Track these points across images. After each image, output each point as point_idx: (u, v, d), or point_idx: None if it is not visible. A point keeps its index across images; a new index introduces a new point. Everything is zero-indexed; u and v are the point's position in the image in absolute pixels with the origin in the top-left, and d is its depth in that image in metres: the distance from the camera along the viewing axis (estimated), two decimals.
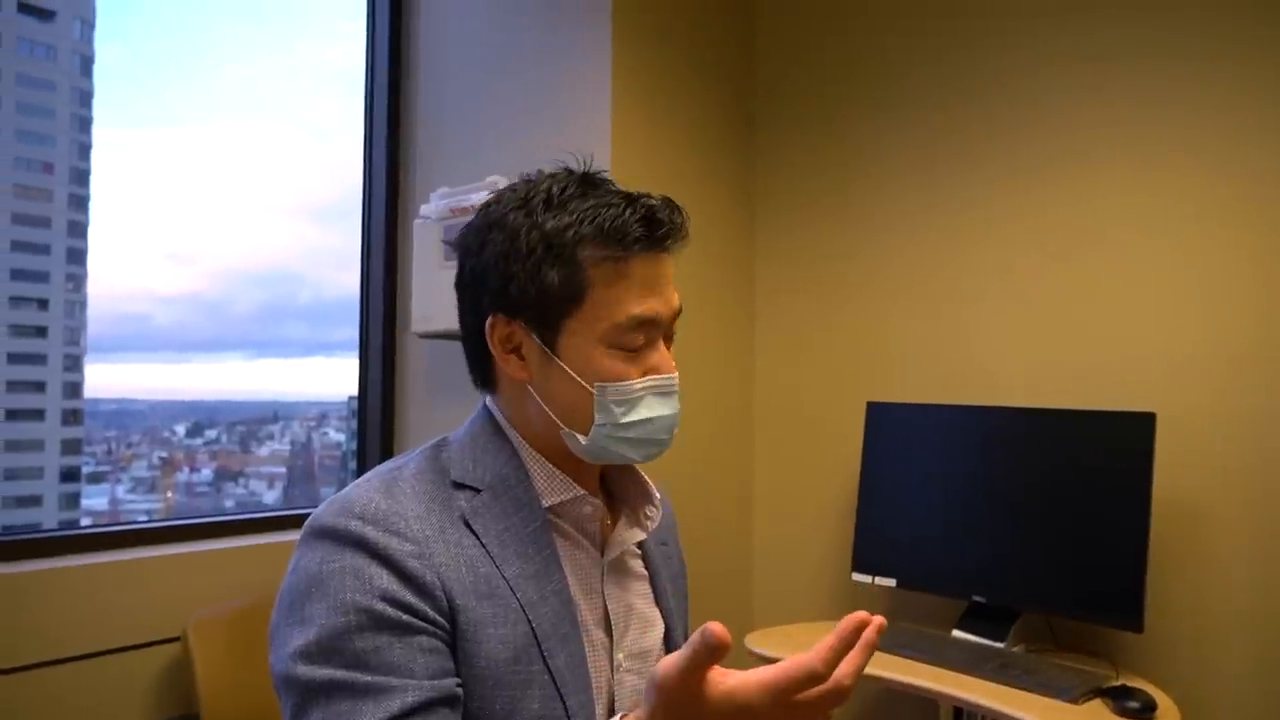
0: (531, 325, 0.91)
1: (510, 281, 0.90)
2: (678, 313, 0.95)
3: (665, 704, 0.67)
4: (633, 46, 2.21)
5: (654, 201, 0.91)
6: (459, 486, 0.92)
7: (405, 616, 0.81)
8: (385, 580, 0.82)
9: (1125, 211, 2.09)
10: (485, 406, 1.00)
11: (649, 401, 0.91)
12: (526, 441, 0.96)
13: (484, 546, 0.88)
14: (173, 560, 1.88)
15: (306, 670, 0.79)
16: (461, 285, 0.97)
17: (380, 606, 0.80)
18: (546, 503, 0.94)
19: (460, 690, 0.83)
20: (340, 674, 0.78)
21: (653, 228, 0.90)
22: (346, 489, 0.89)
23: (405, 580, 0.82)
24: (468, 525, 0.89)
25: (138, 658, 1.78)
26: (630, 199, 0.91)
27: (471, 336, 0.96)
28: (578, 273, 0.89)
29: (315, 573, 0.83)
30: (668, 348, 0.96)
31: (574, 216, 0.89)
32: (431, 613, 0.83)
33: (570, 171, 0.95)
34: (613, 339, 0.90)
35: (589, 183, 0.94)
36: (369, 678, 0.78)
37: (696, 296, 0.99)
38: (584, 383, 0.90)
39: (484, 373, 0.98)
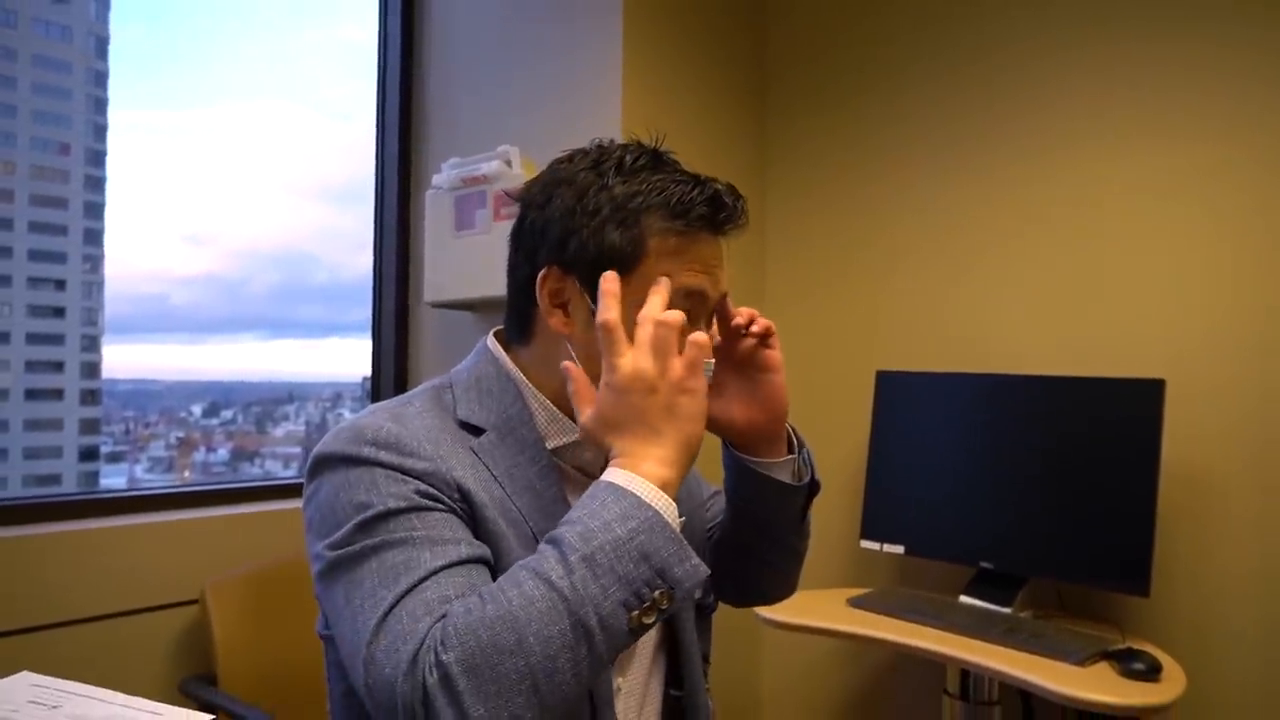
0: (584, 283, 0.92)
1: (572, 236, 0.92)
2: (723, 296, 0.98)
3: (598, 432, 0.85)
4: (643, 14, 2.22)
5: (720, 186, 0.95)
6: (464, 426, 0.94)
7: (435, 504, 0.85)
8: (410, 484, 0.85)
9: (1136, 180, 2.09)
10: (487, 348, 1.01)
11: None
12: (536, 386, 0.97)
13: (494, 477, 0.91)
14: (191, 525, 1.91)
15: (346, 550, 0.82)
16: (519, 235, 0.99)
17: (414, 496, 0.84)
18: (550, 445, 0.96)
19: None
20: (387, 537, 0.82)
21: (716, 209, 0.93)
22: (353, 418, 0.90)
23: (428, 485, 0.85)
24: (477, 456, 0.91)
25: (157, 619, 1.81)
26: (699, 180, 0.94)
27: (520, 286, 0.98)
28: (639, 239, 0.91)
29: (336, 491, 0.85)
30: (707, 331, 0.98)
31: (644, 185, 0.92)
32: (456, 507, 0.86)
33: (642, 145, 0.98)
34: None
35: (660, 158, 0.97)
36: (420, 533, 0.82)
37: None
38: None
39: (523, 322, 0.99)
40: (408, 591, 0.77)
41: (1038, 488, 2.02)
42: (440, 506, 0.85)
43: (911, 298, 2.42)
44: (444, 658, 0.72)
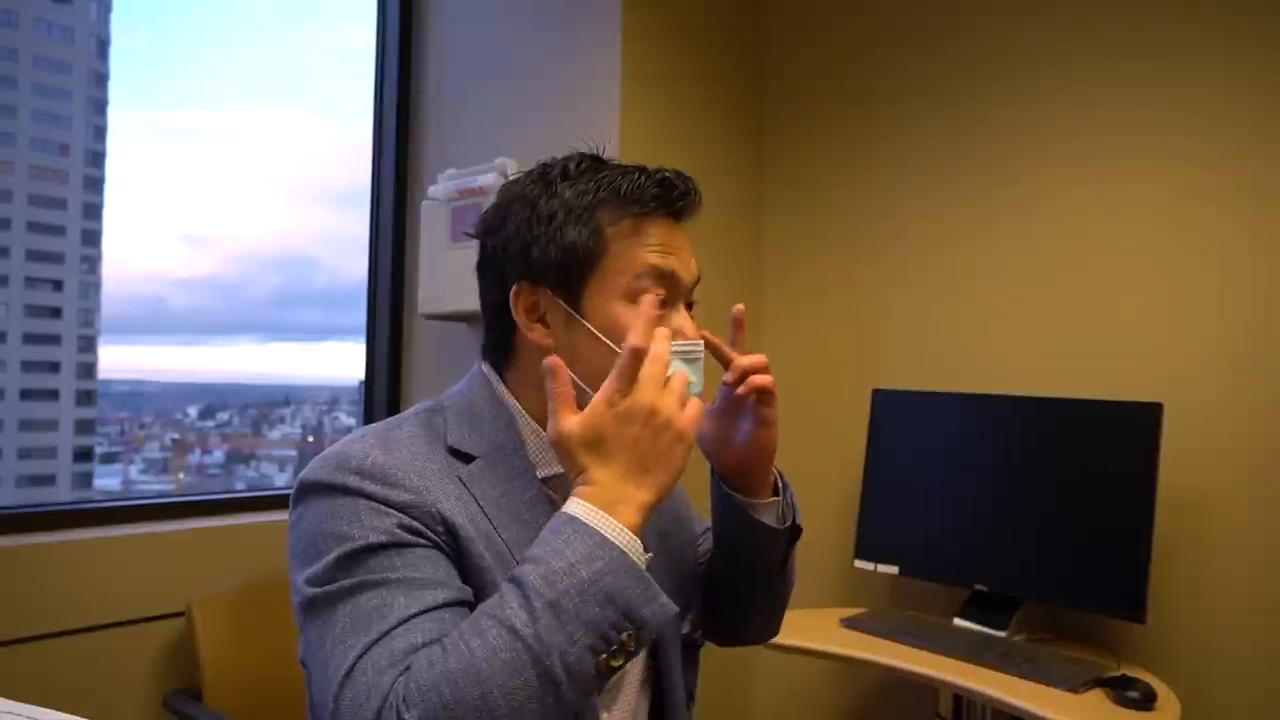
0: (556, 289, 0.92)
1: (532, 246, 0.92)
2: (696, 280, 0.97)
3: (574, 447, 0.82)
4: (642, 28, 2.21)
5: (668, 171, 0.95)
6: (454, 453, 0.92)
7: (419, 539, 0.83)
8: (394, 517, 0.83)
9: (1134, 202, 2.08)
10: (481, 373, 1.00)
11: (675, 366, 0.91)
12: (531, 414, 0.96)
13: (481, 508, 0.89)
14: (178, 536, 1.90)
15: (326, 587, 0.81)
16: (484, 263, 0.99)
17: (396, 531, 0.82)
18: (540, 474, 0.95)
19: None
20: (365, 577, 0.80)
21: (667, 190, 0.93)
22: (339, 444, 0.89)
23: (412, 518, 0.84)
24: (464, 485, 0.90)
25: (142, 632, 1.79)
26: (644, 169, 0.95)
27: (495, 311, 0.97)
28: (597, 232, 0.92)
29: (319, 520, 0.84)
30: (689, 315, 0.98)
31: (591, 184, 0.93)
32: (440, 541, 0.85)
33: (583, 153, 0.99)
34: (633, 292, 0.91)
35: (601, 160, 0.98)
36: (398, 575, 0.80)
37: (703, 282, 1.00)
38: (610, 343, 0.90)
39: (505, 347, 0.98)
40: (377, 640, 0.76)
41: (1034, 510, 2.00)
42: (423, 542, 0.83)
43: (909, 316, 2.41)
44: (405, 716, 0.70)
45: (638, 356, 0.82)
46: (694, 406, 0.85)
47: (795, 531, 1.06)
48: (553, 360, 0.85)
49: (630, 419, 0.81)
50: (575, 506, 0.80)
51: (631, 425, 0.81)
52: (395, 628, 0.76)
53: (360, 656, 0.75)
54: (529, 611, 0.73)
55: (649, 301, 0.86)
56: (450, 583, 0.82)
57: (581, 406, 0.88)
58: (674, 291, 0.94)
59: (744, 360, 0.99)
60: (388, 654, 0.75)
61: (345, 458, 0.86)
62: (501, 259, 0.95)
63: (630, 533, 0.79)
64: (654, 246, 0.92)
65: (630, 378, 0.82)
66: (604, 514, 0.79)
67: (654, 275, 0.92)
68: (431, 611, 0.79)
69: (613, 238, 0.92)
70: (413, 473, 0.86)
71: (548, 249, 0.91)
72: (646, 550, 0.80)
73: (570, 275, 0.92)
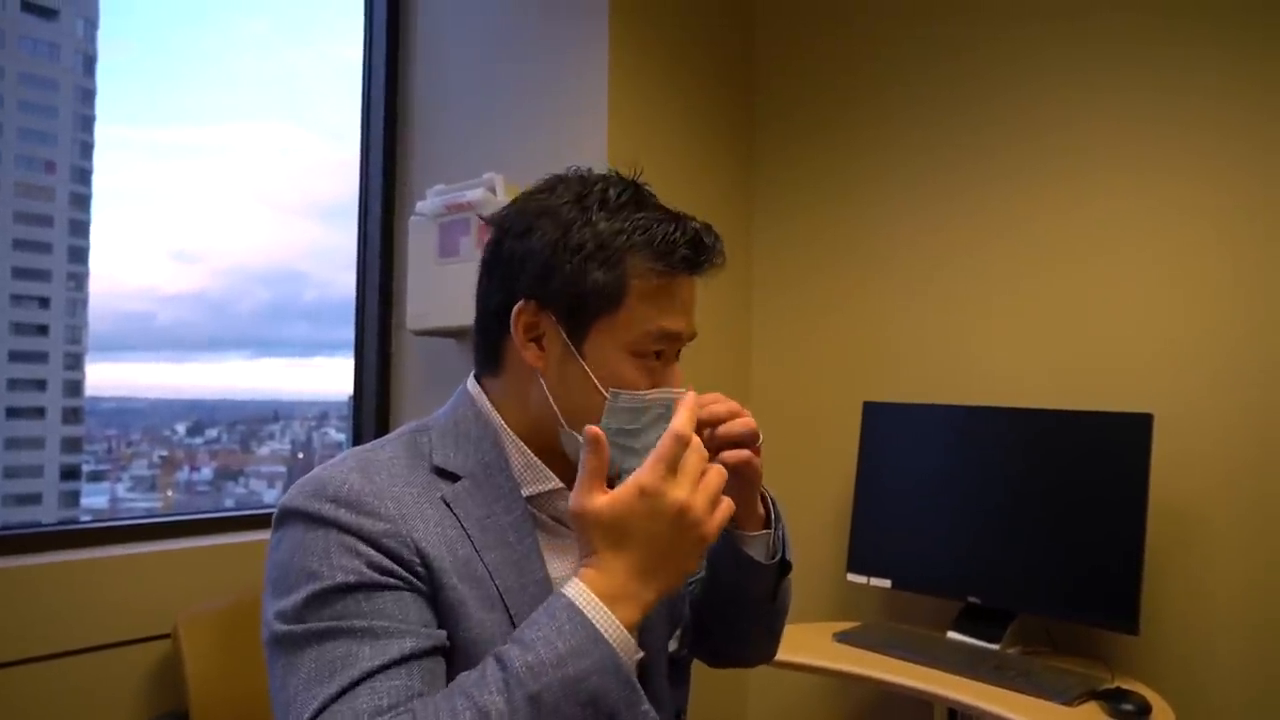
0: (561, 319, 0.91)
1: (554, 272, 0.90)
2: (692, 336, 0.97)
3: (593, 527, 0.80)
4: (629, 43, 2.21)
5: (698, 225, 0.94)
6: (440, 473, 0.91)
7: (389, 578, 0.81)
8: (365, 551, 0.82)
9: (1123, 213, 2.08)
10: (467, 391, 0.99)
11: (654, 416, 0.92)
12: (512, 428, 0.95)
13: (464, 530, 0.88)
14: (164, 556, 1.87)
15: (293, 627, 0.79)
16: (494, 263, 0.96)
17: (365, 570, 0.81)
18: (525, 492, 0.94)
19: (448, 643, 0.83)
20: (331, 623, 0.78)
21: (698, 251, 0.92)
22: (320, 468, 0.88)
23: (384, 553, 0.82)
24: (448, 507, 0.89)
25: (128, 654, 1.77)
26: (679, 219, 0.93)
27: (493, 315, 0.95)
28: (621, 279, 0.90)
29: (293, 551, 0.83)
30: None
31: (628, 224, 0.91)
32: (413, 579, 0.83)
33: (623, 179, 0.96)
34: (638, 348, 0.91)
35: (641, 193, 0.96)
36: (364, 623, 0.78)
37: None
38: (600, 386, 0.90)
39: (493, 352, 0.97)
40: (339, 694, 0.74)
41: (1026, 522, 2.00)
42: (393, 582, 0.81)
43: (900, 328, 2.40)
44: None
45: (681, 443, 0.81)
46: (725, 508, 0.83)
47: (784, 567, 1.05)
48: (595, 431, 0.83)
49: (660, 515, 0.80)
50: (576, 591, 0.78)
51: (659, 522, 0.80)
52: (359, 682, 0.75)
53: (321, 710, 0.74)
54: (508, 701, 0.72)
55: (693, 397, 0.86)
56: (418, 630, 0.81)
57: (558, 440, 0.91)
58: (672, 348, 0.94)
59: (727, 429, 0.96)
60: (351, 713, 0.73)
61: (323, 484, 0.85)
62: (516, 269, 0.93)
63: (626, 631, 0.78)
64: (671, 308, 0.92)
65: (673, 466, 0.81)
66: (604, 607, 0.77)
67: (664, 337, 0.92)
68: (398, 666, 0.77)
69: (634, 290, 0.90)
70: (389, 499, 0.85)
71: (568, 280, 0.90)
72: (639, 650, 0.80)
73: (582, 312, 0.90)
